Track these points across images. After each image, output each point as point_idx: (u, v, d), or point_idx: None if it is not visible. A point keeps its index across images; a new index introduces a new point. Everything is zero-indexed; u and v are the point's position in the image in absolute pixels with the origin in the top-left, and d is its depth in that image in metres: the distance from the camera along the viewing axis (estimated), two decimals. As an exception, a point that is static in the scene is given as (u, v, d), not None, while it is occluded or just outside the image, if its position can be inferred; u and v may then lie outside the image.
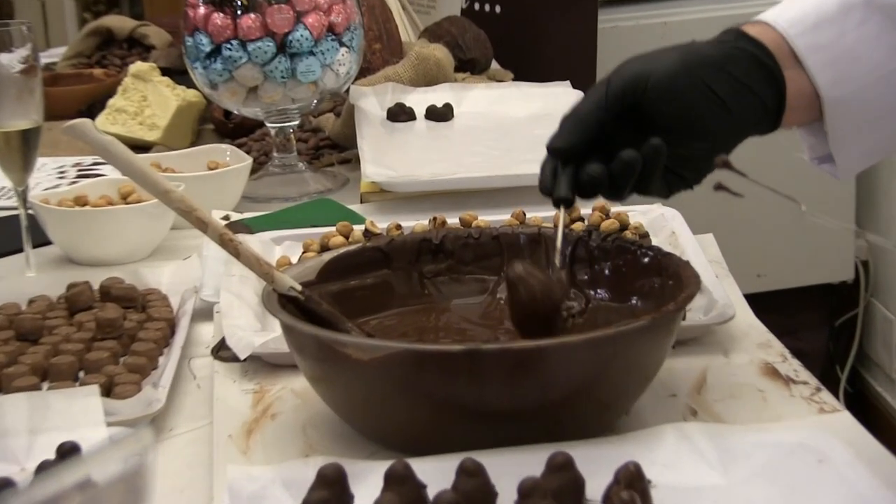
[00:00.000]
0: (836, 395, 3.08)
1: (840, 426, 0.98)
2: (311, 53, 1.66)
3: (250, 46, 1.64)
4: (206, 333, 1.26)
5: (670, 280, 1.07)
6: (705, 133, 1.03)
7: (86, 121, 1.02)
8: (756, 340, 1.17)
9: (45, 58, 2.39)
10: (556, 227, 1.10)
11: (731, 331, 1.18)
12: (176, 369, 1.16)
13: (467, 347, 0.95)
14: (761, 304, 1.43)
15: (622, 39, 3.03)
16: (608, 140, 1.05)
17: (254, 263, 1.06)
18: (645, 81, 1.02)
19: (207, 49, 1.66)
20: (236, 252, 1.05)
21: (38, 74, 1.37)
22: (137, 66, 1.93)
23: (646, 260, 1.11)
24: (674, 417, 1.03)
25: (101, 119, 1.89)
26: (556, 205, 1.06)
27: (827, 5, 1.06)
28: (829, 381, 3.11)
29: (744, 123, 1.04)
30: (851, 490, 0.88)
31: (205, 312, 1.28)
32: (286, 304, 1.04)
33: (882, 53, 1.06)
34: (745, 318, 1.21)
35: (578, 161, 1.05)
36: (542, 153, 1.67)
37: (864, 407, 3.14)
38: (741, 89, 1.02)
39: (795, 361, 1.13)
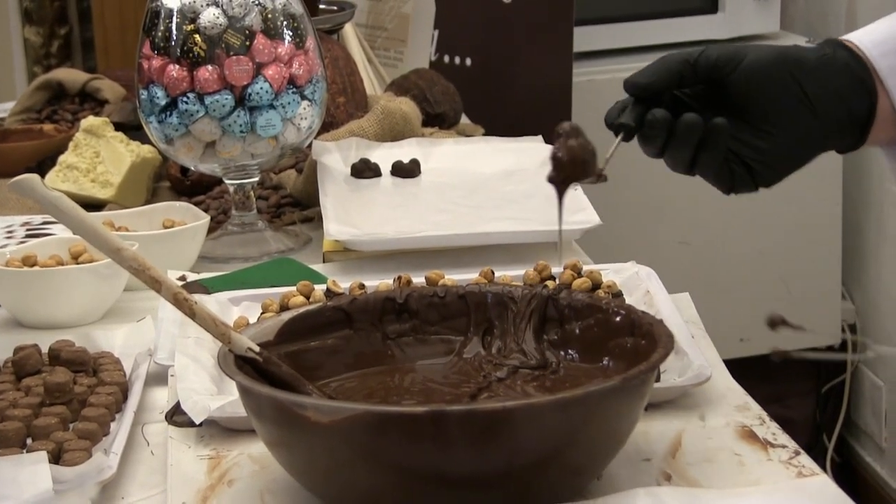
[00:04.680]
0: (823, 465, 3.10)
1: (819, 490, 1.00)
2: (272, 107, 1.68)
3: (207, 100, 1.66)
4: (161, 398, 1.27)
5: (643, 340, 1.09)
6: (786, 129, 1.07)
7: (33, 176, 1.03)
8: (733, 403, 1.19)
9: (-6, 112, 2.40)
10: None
11: (708, 393, 1.20)
12: (128, 435, 1.17)
13: (431, 409, 0.96)
14: (744, 369, 1.46)
15: (598, 93, 3.05)
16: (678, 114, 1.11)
17: (210, 324, 1.07)
18: (740, 59, 1.08)
19: (163, 102, 1.68)
20: (191, 312, 1.07)
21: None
22: (90, 121, 1.94)
23: (618, 319, 1.13)
24: (647, 482, 1.04)
25: (52, 176, 1.90)
26: (616, 131, 1.14)
27: None
28: (816, 450, 3.13)
29: (827, 129, 1.08)
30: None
31: (159, 376, 1.29)
32: (243, 365, 1.06)
33: None
34: (723, 379, 1.23)
35: (647, 106, 1.12)
36: (513, 211, 1.71)
37: (852, 477, 3.15)
38: (830, 93, 1.06)
39: (774, 424, 1.14)
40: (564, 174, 1.10)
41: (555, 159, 1.10)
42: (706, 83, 1.11)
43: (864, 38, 1.10)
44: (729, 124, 1.08)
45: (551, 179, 1.11)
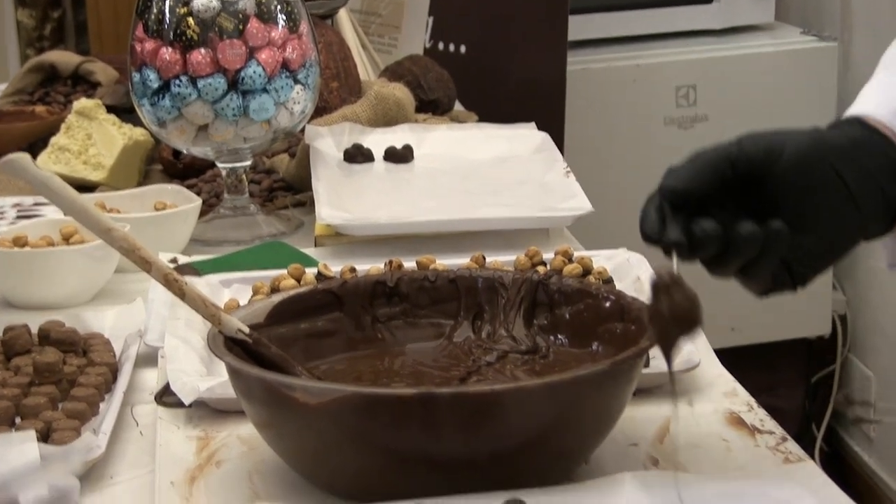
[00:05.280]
0: (811, 454, 3.11)
1: (805, 476, 1.00)
2: (265, 91, 1.68)
3: (200, 83, 1.65)
4: (150, 379, 1.27)
5: (632, 325, 1.09)
6: (827, 223, 0.98)
7: (23, 155, 1.03)
8: (722, 389, 1.19)
9: (-14, 94, 2.39)
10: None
11: (697, 379, 1.20)
12: (118, 416, 1.17)
13: (420, 392, 0.96)
14: (735, 358, 1.46)
15: (593, 81, 3.07)
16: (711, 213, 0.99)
17: (200, 305, 1.07)
18: (779, 152, 0.97)
19: (155, 85, 1.68)
20: (181, 293, 1.07)
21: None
22: (82, 104, 1.94)
23: (607, 304, 1.13)
24: (635, 467, 1.05)
25: (44, 158, 1.90)
26: (668, 251, 0.97)
27: None
28: (805, 439, 3.13)
29: (866, 220, 0.99)
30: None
31: (149, 358, 1.29)
32: (233, 347, 1.06)
33: None
34: (711, 366, 1.23)
35: (687, 213, 0.98)
36: (505, 197, 1.71)
37: (841, 467, 3.16)
38: (869, 181, 0.98)
39: (761, 411, 1.15)
40: (673, 335, 0.97)
41: (658, 319, 0.97)
42: (743, 180, 0.99)
43: (879, 110, 1.02)
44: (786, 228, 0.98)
45: (659, 343, 0.98)
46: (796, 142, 0.98)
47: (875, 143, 0.99)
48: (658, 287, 0.96)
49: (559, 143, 2.01)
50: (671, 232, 0.96)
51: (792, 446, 1.09)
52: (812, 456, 2.99)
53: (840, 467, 3.16)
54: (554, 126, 2.31)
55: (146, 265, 1.06)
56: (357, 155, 1.86)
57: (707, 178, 0.97)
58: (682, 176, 0.98)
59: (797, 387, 3.15)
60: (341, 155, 1.87)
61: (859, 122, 1.01)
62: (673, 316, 0.96)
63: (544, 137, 1.92)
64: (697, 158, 0.99)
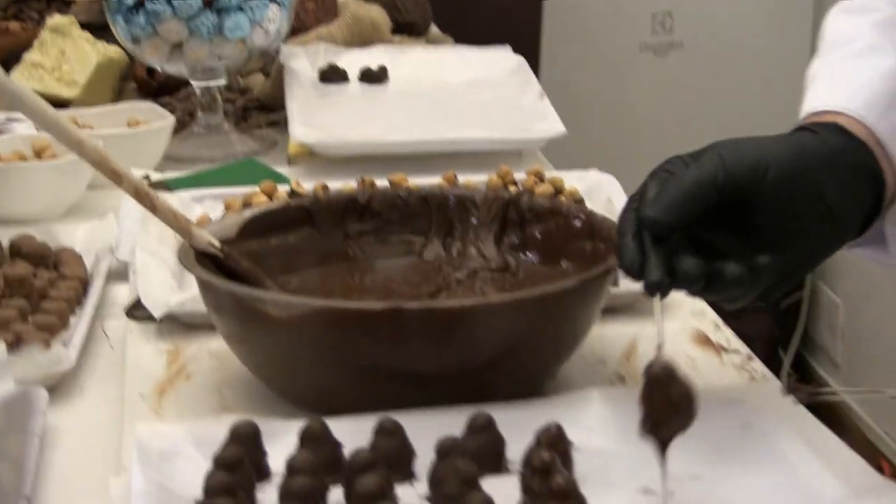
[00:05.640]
0: (779, 379, 3.12)
1: (769, 394, 1.00)
2: (240, 9, 1.66)
3: (175, 0, 1.64)
4: (121, 294, 1.26)
5: (602, 244, 1.09)
6: (806, 241, 0.94)
7: (-5, 65, 1.02)
8: (689, 309, 1.19)
9: (-41, 11, 2.37)
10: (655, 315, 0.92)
11: (665, 299, 1.20)
12: (88, 330, 1.17)
13: (389, 306, 0.96)
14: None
15: (569, 6, 3.06)
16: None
17: (171, 219, 1.06)
18: (765, 170, 0.91)
19: (130, 2, 1.66)
20: (152, 206, 1.06)
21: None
22: (56, 20, 1.92)
23: (577, 223, 1.13)
24: (601, 384, 1.05)
25: (17, 73, 1.88)
26: (651, 291, 0.91)
27: (889, 81, 1.01)
28: (772, 364, 3.15)
29: (844, 234, 0.96)
30: (775, 452, 0.90)
31: (120, 273, 1.29)
32: (204, 261, 1.05)
33: None
34: (680, 287, 1.23)
35: (669, 246, 0.92)
36: (479, 119, 1.70)
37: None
38: (848, 198, 0.94)
39: (728, 331, 1.15)
40: (669, 431, 0.88)
41: (652, 412, 0.88)
42: (727, 200, 0.92)
43: (851, 104, 0.99)
44: (772, 261, 0.92)
45: (653, 436, 0.88)
46: (779, 160, 0.92)
47: (854, 151, 0.96)
48: (652, 379, 0.88)
49: (535, 68, 2.00)
50: (653, 272, 0.90)
51: (757, 365, 1.09)
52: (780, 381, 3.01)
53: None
54: (530, 50, 2.29)
55: (117, 178, 1.05)
56: (332, 75, 1.86)
57: (692, 208, 0.90)
58: (665, 207, 0.90)
59: (765, 313, 3.16)
60: (316, 75, 1.86)
61: (838, 129, 0.97)
62: (668, 412, 0.87)
63: (519, 61, 1.91)
64: (679, 184, 0.91)
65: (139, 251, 1.23)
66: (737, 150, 0.92)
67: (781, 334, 3.25)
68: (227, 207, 1.34)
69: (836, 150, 0.95)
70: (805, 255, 0.94)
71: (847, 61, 1.05)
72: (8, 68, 1.92)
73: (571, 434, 0.92)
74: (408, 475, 0.91)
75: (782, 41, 3.18)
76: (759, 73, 3.24)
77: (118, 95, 1.96)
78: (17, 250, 1.31)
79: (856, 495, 0.85)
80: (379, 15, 2.01)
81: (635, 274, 0.91)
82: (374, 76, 1.87)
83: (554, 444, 0.89)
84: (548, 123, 1.65)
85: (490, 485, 0.86)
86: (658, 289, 0.90)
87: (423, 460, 0.90)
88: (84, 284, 1.27)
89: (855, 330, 3.13)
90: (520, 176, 1.40)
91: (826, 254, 0.96)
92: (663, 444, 0.87)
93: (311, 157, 1.63)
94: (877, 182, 0.96)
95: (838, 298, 3.15)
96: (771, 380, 1.07)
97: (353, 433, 0.92)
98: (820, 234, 0.94)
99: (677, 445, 0.89)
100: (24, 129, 1.65)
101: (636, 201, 0.93)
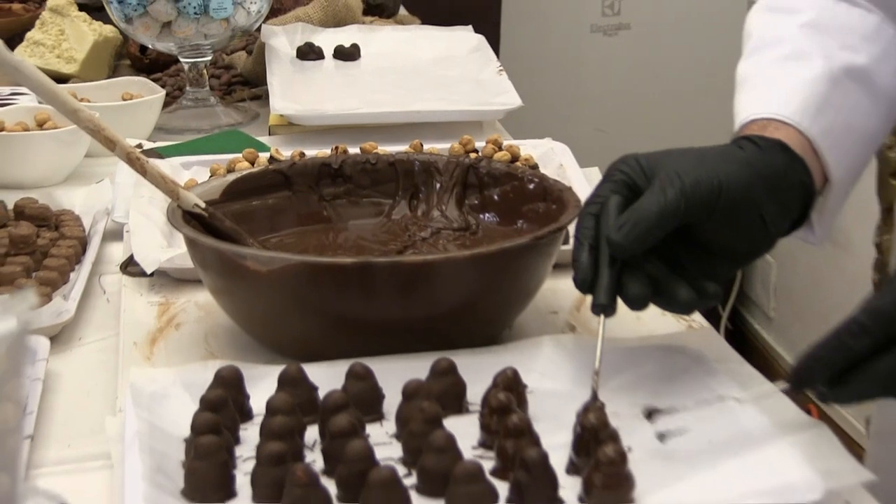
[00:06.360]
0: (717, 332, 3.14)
1: (704, 339, 1.01)
2: (224, -9, 1.65)
3: (165, -18, 1.63)
4: (116, 252, 1.26)
5: (554, 205, 1.09)
6: (742, 252, 0.93)
7: (-3, 41, 1.01)
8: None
9: (-34, -7, 2.34)
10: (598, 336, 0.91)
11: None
12: (86, 285, 1.17)
13: (359, 260, 0.96)
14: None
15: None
16: None
17: (160, 181, 1.06)
18: (718, 193, 0.89)
19: (123, -16, 1.65)
20: (143, 170, 1.06)
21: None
22: (55, 2, 1.90)
23: (531, 186, 1.13)
24: (553, 332, 1.05)
25: (20, 51, 1.86)
26: (596, 312, 0.90)
27: (819, 85, 1.00)
28: (711, 318, 3.16)
29: (773, 241, 0.94)
30: (711, 392, 0.91)
31: (115, 233, 1.29)
32: (191, 220, 1.05)
33: (873, 122, 1.02)
34: (625, 244, 1.23)
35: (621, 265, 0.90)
36: (443, 92, 1.70)
37: (742, 343, 3.20)
38: (784, 215, 0.93)
39: (669, 284, 1.15)
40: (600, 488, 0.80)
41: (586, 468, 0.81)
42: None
43: (783, 110, 0.98)
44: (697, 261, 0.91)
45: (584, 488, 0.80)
46: (731, 183, 0.89)
47: (794, 172, 0.94)
48: (586, 430, 0.83)
49: (495, 46, 2.00)
50: (601, 296, 0.89)
51: (696, 316, 1.09)
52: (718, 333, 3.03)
53: (741, 343, 3.20)
54: (490, 30, 2.29)
55: (110, 144, 1.04)
56: (309, 52, 1.85)
57: (656, 236, 0.88)
58: (631, 237, 0.88)
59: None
60: (294, 52, 1.85)
61: (781, 147, 0.95)
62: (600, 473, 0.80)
63: (480, 39, 1.90)
64: (645, 216, 0.88)
65: (132, 213, 1.23)
66: (693, 174, 0.89)
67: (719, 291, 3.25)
68: (213, 173, 1.33)
69: (778, 172, 0.93)
70: (742, 261, 0.93)
71: (777, 66, 1.03)
72: (12, 46, 1.90)
73: (526, 378, 0.92)
74: (377, 415, 0.91)
75: (719, 24, 3.18)
76: (697, 53, 3.24)
77: (113, 71, 1.95)
78: (21, 212, 1.31)
79: (781, 429, 0.86)
80: (352, -2, 2.00)
81: (585, 290, 0.90)
82: (347, 54, 1.86)
83: (510, 386, 0.89)
84: (506, 97, 1.65)
85: (452, 423, 0.86)
86: (603, 311, 0.89)
87: (391, 401, 0.91)
88: (82, 243, 1.26)
89: (786, 287, 3.14)
90: (480, 144, 1.40)
91: (758, 256, 0.95)
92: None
93: (290, 127, 1.63)
94: (808, 194, 0.95)
95: (772, 259, 3.17)
96: (708, 329, 1.07)
97: (327, 377, 0.92)
98: (756, 244, 0.93)
99: (626, 385, 0.89)
100: (27, 101, 1.63)
101: (594, 204, 0.91)
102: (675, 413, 0.88)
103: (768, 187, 0.92)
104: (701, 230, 0.90)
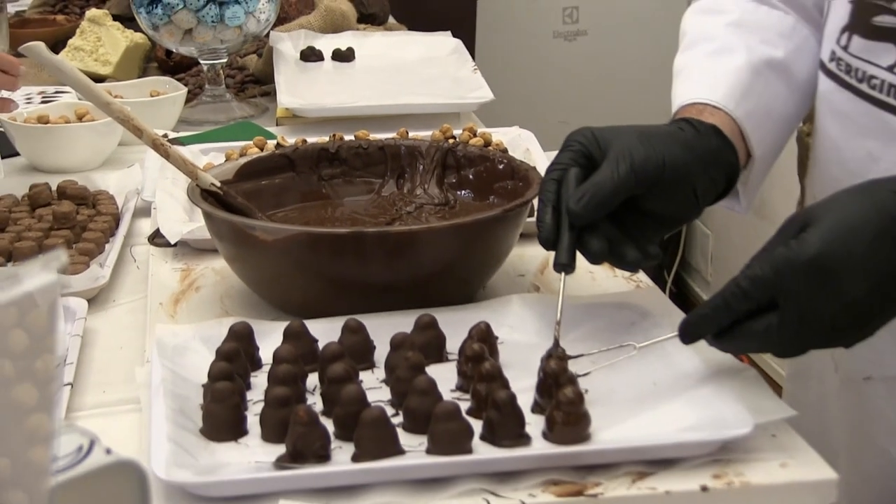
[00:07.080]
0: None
1: (650, 297, 1.00)
2: (237, 2, 1.64)
3: (186, -5, 1.61)
4: (145, 226, 1.25)
5: (520, 182, 1.08)
6: (673, 219, 0.92)
7: (38, 43, 1.00)
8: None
9: (16, 6, 2.32)
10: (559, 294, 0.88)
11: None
12: (119, 254, 1.16)
13: (353, 230, 0.95)
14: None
15: (497, 2, 3.03)
16: None
17: (181, 164, 1.05)
18: (661, 168, 0.88)
19: (150, -3, 1.64)
20: (166, 154, 1.04)
21: (3, 10, 1.34)
22: (93, 13, 1.89)
23: (501, 167, 1.12)
24: (521, 291, 1.04)
25: (62, 55, 1.84)
26: (557, 270, 0.88)
27: (743, 74, 0.99)
28: (658, 282, 3.16)
29: (700, 211, 0.93)
30: (654, 335, 0.90)
31: (144, 210, 1.27)
32: (208, 197, 1.04)
33: (790, 107, 1.02)
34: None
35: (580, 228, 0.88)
36: (426, 88, 1.68)
37: (685, 303, 3.20)
38: (712, 190, 0.92)
39: (620, 251, 1.14)
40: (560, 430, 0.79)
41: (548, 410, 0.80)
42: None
43: (713, 96, 0.96)
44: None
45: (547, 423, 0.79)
46: (674, 161, 0.89)
47: (724, 153, 0.93)
48: (548, 375, 0.82)
49: (471, 49, 1.99)
50: (562, 255, 0.87)
51: (643, 277, 1.09)
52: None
53: (684, 302, 3.20)
54: (467, 35, 2.27)
55: (138, 132, 1.03)
56: (311, 55, 1.83)
57: (610, 206, 0.87)
58: (588, 206, 0.86)
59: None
60: (298, 55, 1.83)
61: (715, 131, 0.93)
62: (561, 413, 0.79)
63: (458, 43, 1.89)
64: (601, 189, 0.87)
65: (158, 192, 1.21)
66: (642, 151, 0.88)
67: (665, 259, 3.25)
68: (227, 157, 1.32)
69: (712, 153, 0.92)
70: (673, 226, 0.92)
71: (708, 58, 1.02)
72: (55, 52, 1.88)
73: (497, 331, 0.91)
74: (369, 364, 0.90)
75: (660, 31, 3.17)
76: (643, 55, 3.23)
77: (143, 72, 1.92)
78: (63, 193, 1.30)
79: (716, 373, 0.85)
80: (348, 7, 1.98)
81: (549, 247, 0.88)
82: (343, 56, 1.84)
83: (483, 338, 0.89)
84: (480, 91, 1.64)
85: (433, 370, 0.86)
86: (564, 269, 0.87)
87: (381, 352, 0.90)
88: (116, 219, 1.25)
89: (722, 256, 3.14)
90: (457, 131, 1.38)
91: (686, 222, 0.95)
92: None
93: (294, 118, 1.61)
94: (733, 172, 0.94)
95: (709, 231, 3.16)
96: (653, 288, 1.06)
97: (325, 331, 0.91)
98: (687, 213, 0.91)
99: (583, 335, 0.88)
100: (68, 98, 1.62)
101: (555, 171, 0.89)
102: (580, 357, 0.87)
103: (702, 166, 0.91)
104: (643, 200, 0.89)
